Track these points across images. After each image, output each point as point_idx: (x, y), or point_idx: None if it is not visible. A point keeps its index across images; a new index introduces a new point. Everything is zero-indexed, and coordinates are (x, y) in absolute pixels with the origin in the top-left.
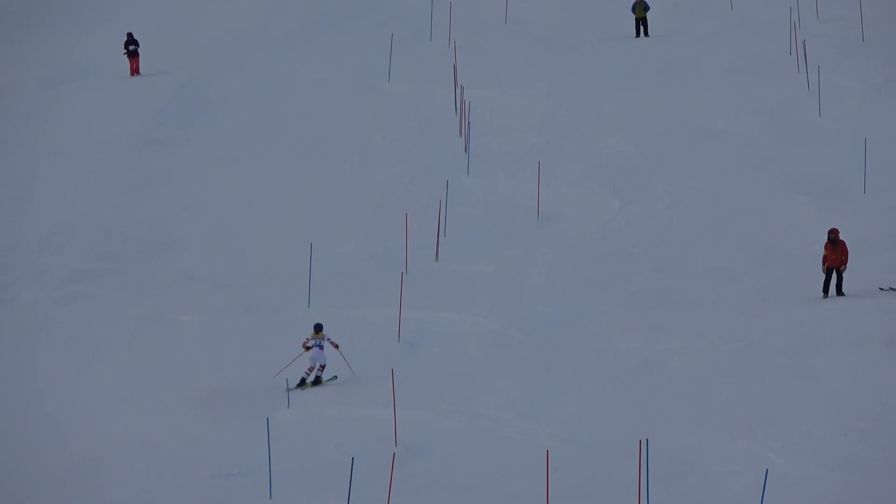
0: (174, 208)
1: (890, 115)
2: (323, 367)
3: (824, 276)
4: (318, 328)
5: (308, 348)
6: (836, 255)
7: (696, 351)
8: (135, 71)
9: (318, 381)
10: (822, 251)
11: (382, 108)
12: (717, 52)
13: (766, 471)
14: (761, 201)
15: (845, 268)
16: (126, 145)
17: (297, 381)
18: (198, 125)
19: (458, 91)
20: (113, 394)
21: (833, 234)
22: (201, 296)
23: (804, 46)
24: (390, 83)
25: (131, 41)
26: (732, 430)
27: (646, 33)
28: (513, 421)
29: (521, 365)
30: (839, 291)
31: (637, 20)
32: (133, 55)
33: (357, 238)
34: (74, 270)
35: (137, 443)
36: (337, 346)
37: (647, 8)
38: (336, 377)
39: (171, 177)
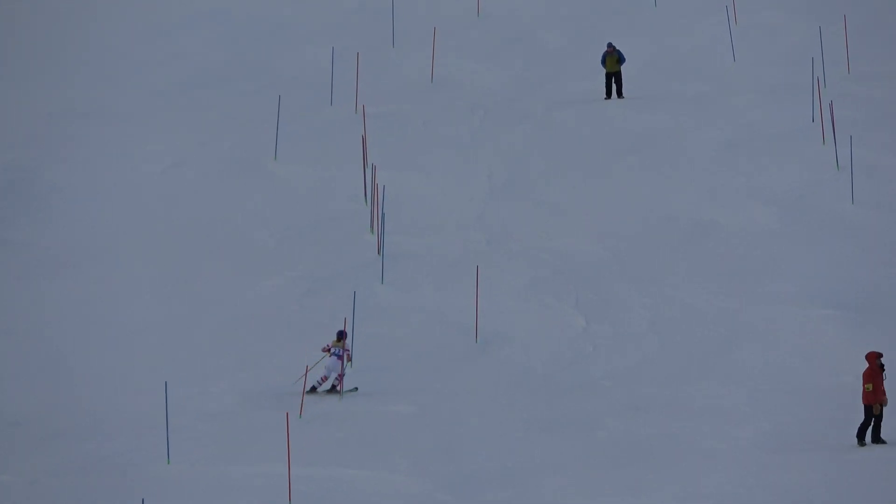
0: None
1: None
2: (340, 377)
3: (864, 415)
4: (342, 335)
5: (329, 353)
6: (879, 387)
7: None
8: None
9: (332, 389)
10: (858, 383)
11: (267, 197)
12: (715, 121)
13: None
14: (772, 317)
15: (886, 403)
16: None
17: (307, 389)
18: (19, 223)
19: (369, 173)
20: None
21: (876, 359)
22: (25, 450)
23: (831, 111)
24: (277, 162)
25: None
26: None
27: (619, 94)
28: None
29: None
30: (876, 438)
31: (608, 76)
32: None
33: (233, 371)
34: None
35: None
36: (350, 360)
37: (620, 60)
38: (357, 389)
39: None
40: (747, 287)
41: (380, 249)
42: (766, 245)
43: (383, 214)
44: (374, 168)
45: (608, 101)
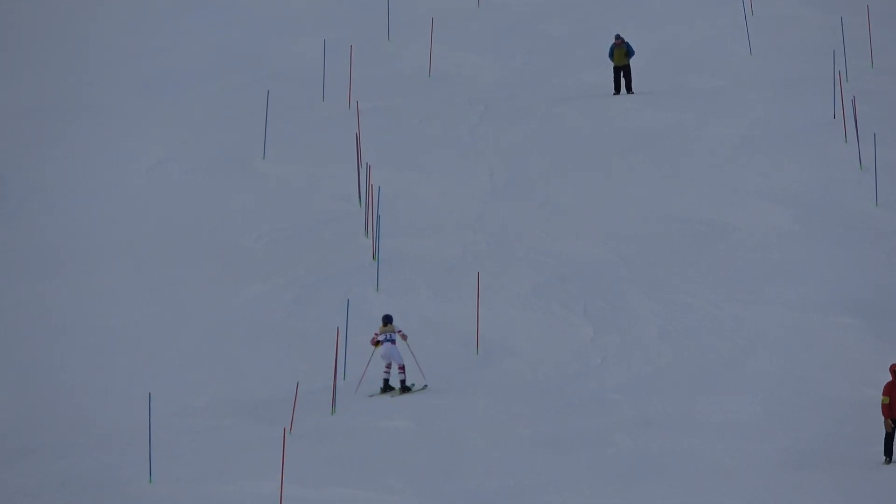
0: None
1: None
2: (402, 367)
3: (886, 430)
4: (388, 319)
5: (378, 343)
6: None
7: None
8: None
9: (406, 390)
10: (881, 396)
11: (255, 198)
12: (729, 117)
13: None
14: (791, 325)
15: None
16: None
17: (380, 387)
18: None
19: (363, 173)
20: None
21: None
22: None
23: (854, 107)
24: (266, 161)
25: None
26: None
27: (628, 89)
28: None
29: None
30: (887, 452)
31: (616, 70)
32: None
33: (218, 383)
34: None
35: None
36: (406, 338)
37: (629, 52)
38: (426, 386)
39: None
40: (763, 293)
41: (374, 253)
42: (784, 248)
43: (378, 216)
44: (368, 167)
45: (616, 96)
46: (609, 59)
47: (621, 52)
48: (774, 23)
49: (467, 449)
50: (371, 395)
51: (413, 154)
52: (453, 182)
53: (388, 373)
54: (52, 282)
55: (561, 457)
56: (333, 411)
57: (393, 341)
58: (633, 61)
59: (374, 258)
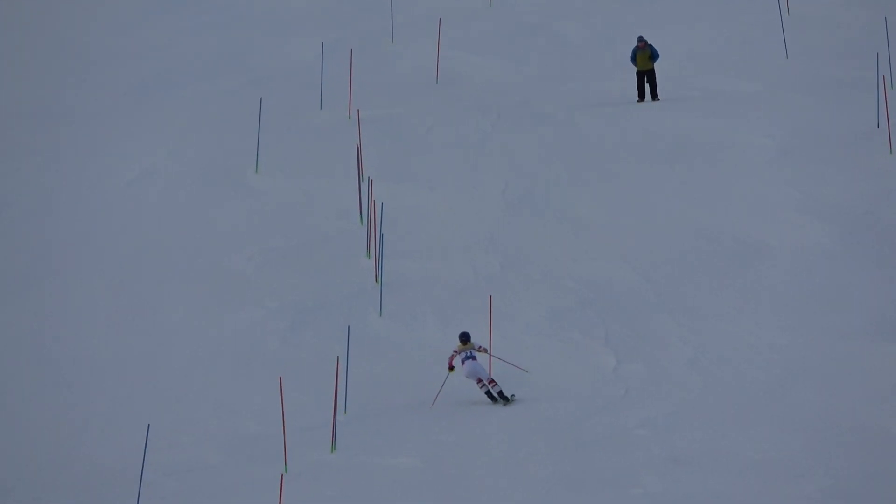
0: None
1: None
2: (493, 381)
3: None
4: (467, 337)
5: (452, 367)
6: None
7: None
8: None
9: (507, 400)
10: None
11: (247, 215)
12: (764, 125)
13: None
14: (833, 353)
15: None
16: None
17: (490, 399)
18: None
19: (365, 187)
20: None
21: None
22: None
23: None
24: (258, 175)
25: None
26: None
27: (653, 95)
28: None
29: None
30: None
31: (640, 75)
32: None
33: (206, 418)
34: None
35: None
36: (486, 352)
37: (653, 56)
38: (514, 396)
39: None
40: (804, 319)
41: (377, 276)
42: (825, 269)
43: (381, 235)
44: (370, 181)
45: (641, 103)
46: (632, 64)
47: (645, 56)
48: (813, 23)
49: (479, 490)
50: (496, 403)
51: (419, 166)
52: (463, 197)
53: (485, 386)
54: (24, 306)
55: (582, 498)
56: (333, 448)
57: (474, 357)
58: (657, 65)
59: (376, 281)
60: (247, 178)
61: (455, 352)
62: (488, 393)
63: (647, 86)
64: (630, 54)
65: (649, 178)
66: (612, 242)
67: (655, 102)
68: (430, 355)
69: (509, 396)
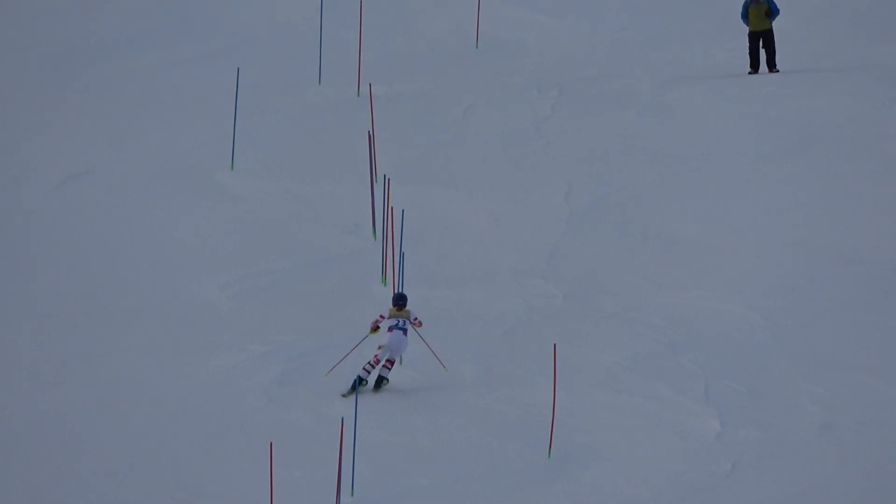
0: None
1: None
2: (392, 362)
3: None
4: (403, 301)
5: (377, 329)
6: None
7: None
8: None
9: (379, 383)
10: None
11: (220, 228)
12: None
13: None
14: None
15: None
16: None
17: (352, 382)
18: None
19: (379, 190)
20: None
21: None
22: None
23: None
24: (235, 174)
25: None
26: None
27: (770, 65)
28: None
29: None
30: None
31: (753, 37)
32: None
33: (166, 502)
34: None
35: None
36: (420, 325)
37: (772, 11)
38: (387, 381)
39: None
40: None
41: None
42: None
43: (402, 255)
44: (386, 181)
45: (754, 75)
46: (743, 23)
47: (760, 12)
48: None
49: None
50: (344, 395)
51: (451, 163)
52: (511, 204)
53: (370, 368)
54: None
55: None
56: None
57: (405, 331)
58: (776, 24)
59: None
60: (218, 179)
61: (382, 316)
62: (364, 376)
63: (762, 52)
64: (741, 10)
65: (767, 179)
66: (714, 266)
67: (773, 74)
68: (469, 415)
69: (383, 383)
